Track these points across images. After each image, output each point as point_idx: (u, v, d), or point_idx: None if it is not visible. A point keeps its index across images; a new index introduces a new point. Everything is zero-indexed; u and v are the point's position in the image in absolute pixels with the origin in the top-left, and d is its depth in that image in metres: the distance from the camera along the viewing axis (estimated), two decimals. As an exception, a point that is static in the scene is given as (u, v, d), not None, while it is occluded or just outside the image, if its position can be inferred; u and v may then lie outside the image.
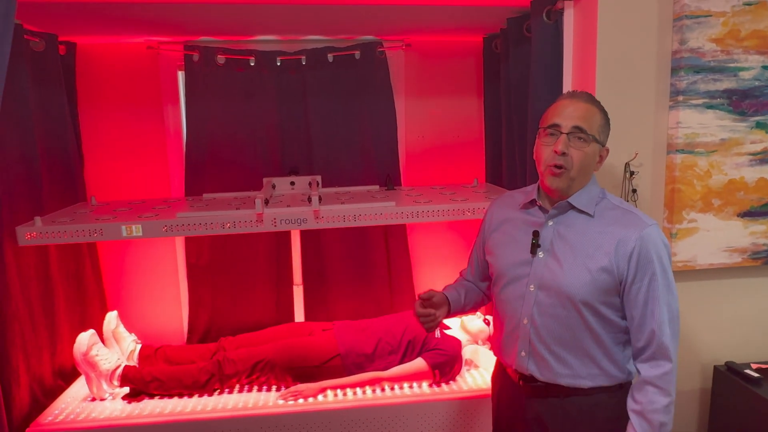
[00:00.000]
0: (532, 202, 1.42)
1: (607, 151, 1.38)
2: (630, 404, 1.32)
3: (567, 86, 1.94)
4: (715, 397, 1.93)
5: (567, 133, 1.30)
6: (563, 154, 1.30)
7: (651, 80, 1.81)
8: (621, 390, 1.36)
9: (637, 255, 1.26)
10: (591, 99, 1.35)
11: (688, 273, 1.91)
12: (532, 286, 1.36)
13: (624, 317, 1.32)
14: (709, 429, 1.97)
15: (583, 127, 1.30)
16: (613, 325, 1.32)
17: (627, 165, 1.84)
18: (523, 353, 1.38)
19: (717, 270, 1.93)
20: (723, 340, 1.97)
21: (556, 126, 1.32)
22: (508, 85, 2.34)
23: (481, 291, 1.65)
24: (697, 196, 1.85)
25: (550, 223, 1.37)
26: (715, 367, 1.94)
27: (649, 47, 1.80)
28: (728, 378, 1.87)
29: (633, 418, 1.29)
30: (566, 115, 1.32)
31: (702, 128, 1.81)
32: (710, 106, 1.81)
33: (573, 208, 1.35)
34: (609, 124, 1.37)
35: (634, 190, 1.85)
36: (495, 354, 1.52)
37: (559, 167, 1.31)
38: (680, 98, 1.79)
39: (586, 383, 1.34)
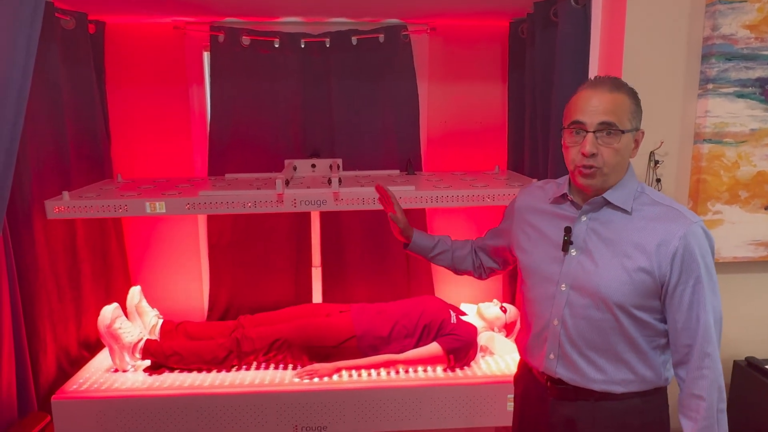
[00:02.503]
0: (564, 196, 1.32)
1: (642, 133, 1.25)
2: (685, 424, 1.21)
3: (593, 72, 1.90)
4: (734, 392, 1.90)
5: (593, 131, 1.19)
6: (593, 155, 1.19)
7: (680, 67, 1.77)
8: (657, 395, 1.28)
9: (681, 256, 1.16)
10: (615, 85, 1.22)
11: (711, 266, 1.88)
12: (563, 285, 1.27)
13: (662, 320, 1.23)
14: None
15: (610, 122, 1.18)
16: (651, 329, 1.23)
17: (652, 154, 1.80)
18: (551, 356, 1.31)
19: (741, 263, 1.88)
20: (744, 335, 1.93)
21: (580, 124, 1.21)
22: (533, 71, 2.31)
23: (473, 259, 1.61)
24: (724, 187, 1.81)
25: (584, 218, 1.28)
26: (735, 362, 1.90)
27: (679, 33, 1.75)
28: (748, 373, 1.84)
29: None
30: (590, 110, 1.19)
31: (732, 117, 1.77)
32: (741, 95, 1.76)
33: (608, 204, 1.25)
34: (639, 105, 1.24)
35: (659, 180, 1.82)
36: (520, 354, 1.45)
37: (590, 167, 1.21)
38: (710, 86, 1.74)
39: (619, 389, 1.26)
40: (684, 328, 1.19)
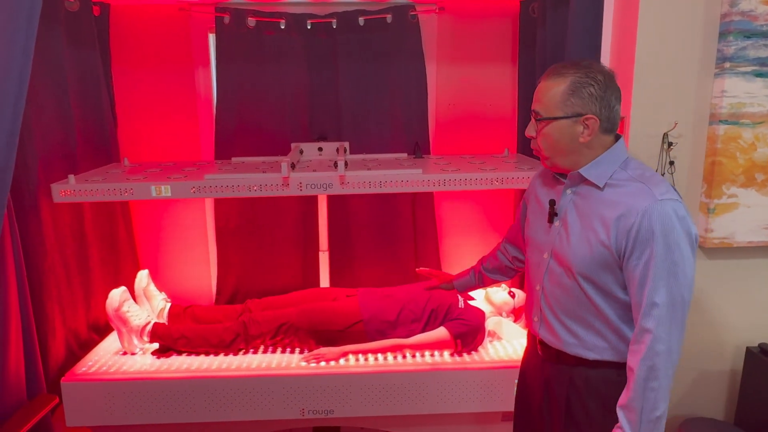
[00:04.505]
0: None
1: (594, 119, 1.25)
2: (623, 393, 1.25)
3: (605, 52, 1.85)
4: (746, 378, 1.87)
5: (534, 118, 1.33)
6: (533, 138, 1.34)
7: (696, 45, 1.71)
8: None
9: (637, 230, 1.19)
10: (556, 72, 1.28)
11: (724, 251, 1.84)
12: (546, 254, 1.39)
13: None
14: (738, 411, 1.92)
15: (536, 110, 1.32)
16: (619, 302, 1.28)
17: (665, 135, 1.75)
18: (536, 318, 1.45)
19: (756, 248, 1.84)
20: (758, 320, 1.90)
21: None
22: (543, 51, 2.26)
23: (507, 259, 1.74)
24: (740, 170, 1.76)
25: (569, 192, 1.37)
26: (748, 348, 1.87)
27: (695, 10, 1.69)
28: (760, 360, 1.81)
29: (618, 413, 1.24)
30: (533, 97, 1.34)
31: (749, 98, 1.71)
32: (760, 74, 1.70)
33: (585, 180, 1.32)
34: (586, 90, 1.24)
35: (672, 162, 1.77)
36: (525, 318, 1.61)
37: (536, 149, 1.36)
38: (727, 65, 1.69)
39: (591, 355, 1.33)
40: (636, 303, 1.23)
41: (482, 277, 1.81)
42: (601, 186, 1.28)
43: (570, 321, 1.35)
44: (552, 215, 1.37)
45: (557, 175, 1.40)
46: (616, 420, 1.26)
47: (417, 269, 1.81)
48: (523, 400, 1.59)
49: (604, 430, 1.31)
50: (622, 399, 1.24)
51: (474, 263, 1.86)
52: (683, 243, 1.18)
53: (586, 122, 1.27)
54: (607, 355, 1.31)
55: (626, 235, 1.21)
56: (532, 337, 1.53)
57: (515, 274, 1.79)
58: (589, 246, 1.27)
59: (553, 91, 1.27)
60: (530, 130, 1.34)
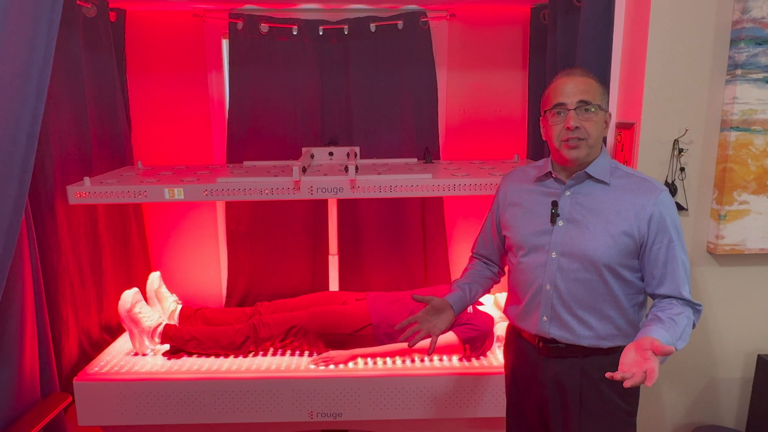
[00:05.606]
0: (548, 175, 1.47)
1: (610, 115, 1.44)
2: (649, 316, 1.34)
3: (616, 58, 1.86)
4: (757, 386, 1.86)
5: (574, 109, 1.36)
6: (576, 128, 1.36)
7: (707, 52, 1.72)
8: None
9: (657, 219, 1.34)
10: (586, 72, 1.41)
11: (736, 257, 1.83)
12: (554, 253, 1.42)
13: (641, 278, 1.40)
14: (749, 419, 1.90)
15: (587, 100, 1.36)
16: (633, 287, 1.40)
17: (676, 142, 1.76)
18: (544, 318, 1.45)
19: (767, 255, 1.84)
20: (770, 328, 1.89)
21: (561, 105, 1.38)
22: (554, 57, 2.27)
23: (491, 272, 1.68)
24: (751, 176, 1.75)
25: (568, 193, 1.43)
26: (759, 356, 1.86)
27: (706, 17, 1.70)
28: (773, 368, 1.80)
29: (657, 322, 1.28)
30: (568, 92, 1.37)
31: (761, 104, 1.71)
32: (771, 81, 1.70)
33: (590, 177, 1.41)
34: (607, 91, 1.44)
35: (683, 169, 1.77)
36: (511, 321, 1.58)
37: (576, 139, 1.36)
38: (738, 72, 1.69)
39: (606, 343, 1.41)
40: (660, 283, 1.36)
41: (481, 291, 1.65)
42: (608, 182, 1.39)
43: (585, 314, 1.40)
44: (555, 216, 1.42)
45: (557, 176, 1.44)
46: (629, 401, 1.42)
47: (412, 296, 1.61)
48: (517, 404, 1.61)
49: (618, 411, 1.40)
50: (674, 312, 1.30)
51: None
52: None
53: (607, 119, 1.42)
54: (619, 341, 1.40)
55: (648, 222, 1.34)
56: (520, 340, 1.55)
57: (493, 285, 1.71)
58: (611, 238, 1.36)
59: (593, 85, 1.38)
60: (575, 121, 1.36)
